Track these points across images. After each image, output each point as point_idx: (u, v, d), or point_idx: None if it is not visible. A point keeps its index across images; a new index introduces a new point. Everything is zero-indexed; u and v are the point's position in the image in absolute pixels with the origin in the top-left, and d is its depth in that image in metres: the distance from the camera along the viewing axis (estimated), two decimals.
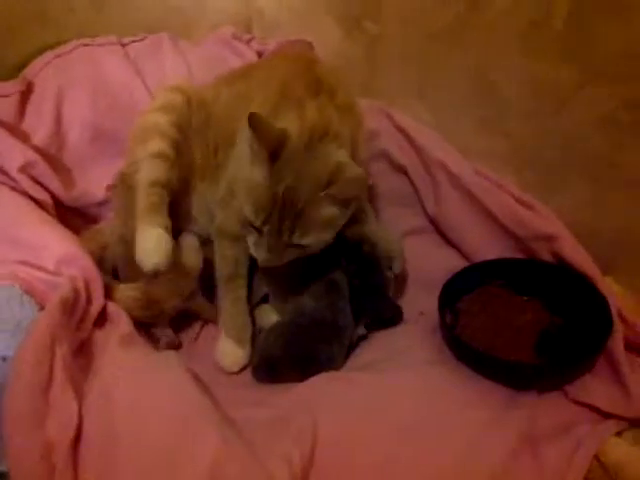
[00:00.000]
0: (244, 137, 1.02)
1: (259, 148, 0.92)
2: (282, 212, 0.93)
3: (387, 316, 1.17)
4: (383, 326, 1.17)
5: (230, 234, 1.12)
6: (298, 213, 0.93)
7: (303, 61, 1.13)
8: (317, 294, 1.14)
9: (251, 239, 1.00)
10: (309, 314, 1.12)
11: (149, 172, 1.09)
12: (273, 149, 0.92)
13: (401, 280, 1.24)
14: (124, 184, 1.15)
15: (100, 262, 1.11)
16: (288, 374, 1.07)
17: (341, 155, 0.97)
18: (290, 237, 0.95)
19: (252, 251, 1.01)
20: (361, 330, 1.15)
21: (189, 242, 1.15)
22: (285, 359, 1.08)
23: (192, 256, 1.14)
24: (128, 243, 1.09)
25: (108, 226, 1.24)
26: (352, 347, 1.14)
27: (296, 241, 0.95)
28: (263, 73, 1.12)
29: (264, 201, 0.93)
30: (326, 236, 0.98)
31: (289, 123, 0.96)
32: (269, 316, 1.20)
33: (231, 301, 1.13)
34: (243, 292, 1.15)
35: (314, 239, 0.96)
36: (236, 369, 1.11)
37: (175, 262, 1.08)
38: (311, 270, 1.15)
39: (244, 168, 0.99)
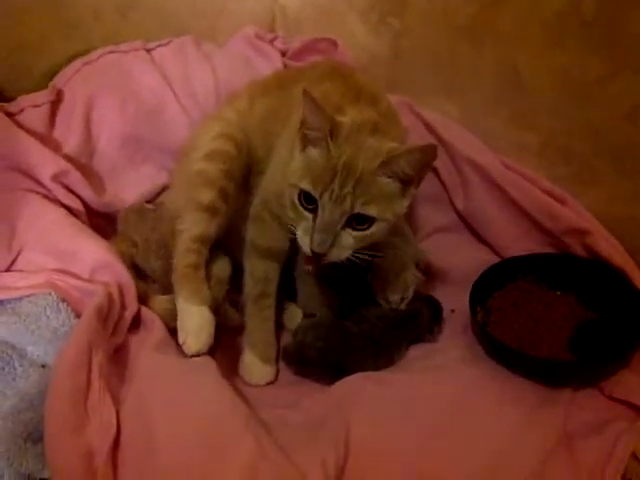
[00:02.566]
0: (292, 129, 1.02)
1: (320, 123, 0.90)
2: (342, 179, 0.89)
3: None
4: None
5: (261, 250, 1.11)
6: (358, 179, 0.89)
7: (340, 72, 1.11)
8: (389, 315, 1.13)
9: (302, 227, 0.95)
10: (366, 324, 1.11)
11: (193, 226, 1.09)
12: (332, 124, 0.90)
13: (431, 278, 1.24)
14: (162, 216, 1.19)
15: (129, 266, 1.12)
16: (316, 376, 1.09)
17: (394, 144, 0.94)
18: (353, 204, 0.90)
19: (302, 241, 0.95)
20: None
21: (218, 254, 1.15)
22: (317, 364, 1.08)
23: (222, 268, 1.14)
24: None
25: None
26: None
27: (358, 209, 0.90)
28: (299, 87, 1.10)
29: (323, 172, 0.91)
30: (387, 214, 0.93)
31: None
32: (297, 317, 1.21)
33: (259, 320, 1.12)
34: (271, 312, 1.13)
35: (377, 211, 0.91)
36: (262, 384, 1.10)
37: (207, 274, 1.10)
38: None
39: (295, 159, 0.97)
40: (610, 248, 1.10)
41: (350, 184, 0.89)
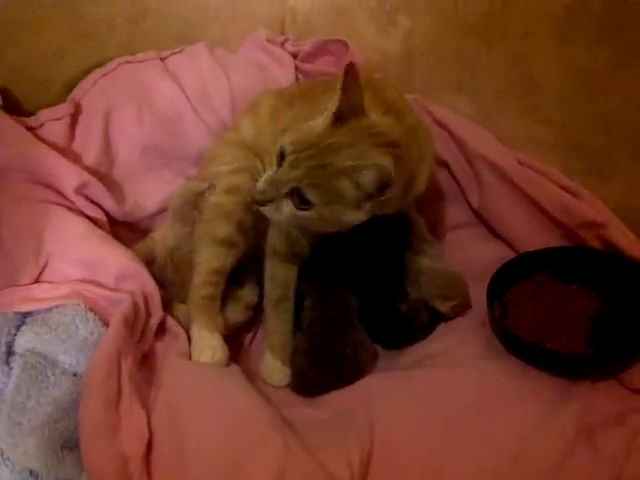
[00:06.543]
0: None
1: (334, 102, 0.92)
2: (312, 154, 0.91)
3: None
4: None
5: (281, 253, 1.13)
6: (323, 165, 0.91)
7: (370, 85, 1.08)
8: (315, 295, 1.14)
9: (266, 173, 0.98)
10: (322, 317, 1.12)
11: (211, 259, 1.12)
12: (342, 110, 0.92)
13: None
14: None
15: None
16: (331, 386, 1.07)
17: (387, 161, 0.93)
18: (301, 177, 0.92)
19: (258, 184, 0.98)
20: None
21: (249, 280, 1.19)
22: (320, 374, 1.08)
23: (251, 296, 1.18)
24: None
25: (157, 237, 1.28)
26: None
27: (302, 185, 0.92)
28: (326, 98, 1.08)
29: (306, 140, 0.93)
30: (327, 211, 0.94)
31: None
32: None
33: (278, 323, 1.14)
34: (290, 315, 1.15)
35: (317, 200, 0.93)
36: (282, 385, 1.12)
37: (235, 296, 1.16)
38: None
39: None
40: (626, 240, 1.10)
41: (314, 162, 0.91)
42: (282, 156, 0.95)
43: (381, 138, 0.94)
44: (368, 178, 0.91)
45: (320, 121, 0.95)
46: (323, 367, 1.07)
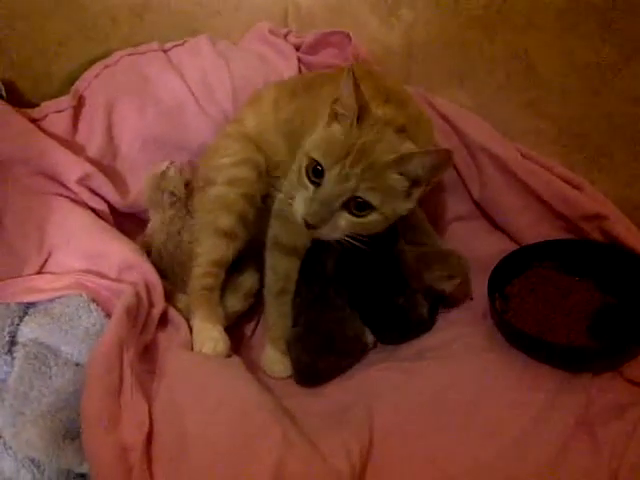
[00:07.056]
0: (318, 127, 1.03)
1: (352, 102, 0.92)
2: (355, 160, 0.90)
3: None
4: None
5: (283, 246, 1.13)
6: (369, 165, 0.90)
7: (371, 76, 1.10)
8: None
9: (300, 195, 0.96)
10: (305, 303, 1.12)
11: (211, 250, 1.12)
12: (363, 107, 0.92)
13: None
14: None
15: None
16: (330, 369, 1.08)
17: (413, 146, 0.95)
18: (357, 185, 0.91)
19: (297, 207, 0.95)
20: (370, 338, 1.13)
21: (249, 268, 1.19)
22: (314, 358, 1.07)
23: (251, 283, 1.19)
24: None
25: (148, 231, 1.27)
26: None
27: (361, 192, 0.91)
28: (328, 89, 1.10)
29: (339, 148, 0.92)
30: (387, 208, 0.94)
31: None
32: None
33: (278, 315, 1.14)
34: (290, 307, 1.15)
35: (378, 201, 0.92)
36: (283, 376, 1.11)
37: (236, 287, 1.16)
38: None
39: (316, 132, 0.99)
40: (627, 232, 1.10)
41: (360, 166, 0.91)
42: (314, 172, 0.94)
43: (394, 125, 0.95)
44: (421, 164, 0.92)
45: (334, 127, 0.96)
46: (315, 349, 1.07)
